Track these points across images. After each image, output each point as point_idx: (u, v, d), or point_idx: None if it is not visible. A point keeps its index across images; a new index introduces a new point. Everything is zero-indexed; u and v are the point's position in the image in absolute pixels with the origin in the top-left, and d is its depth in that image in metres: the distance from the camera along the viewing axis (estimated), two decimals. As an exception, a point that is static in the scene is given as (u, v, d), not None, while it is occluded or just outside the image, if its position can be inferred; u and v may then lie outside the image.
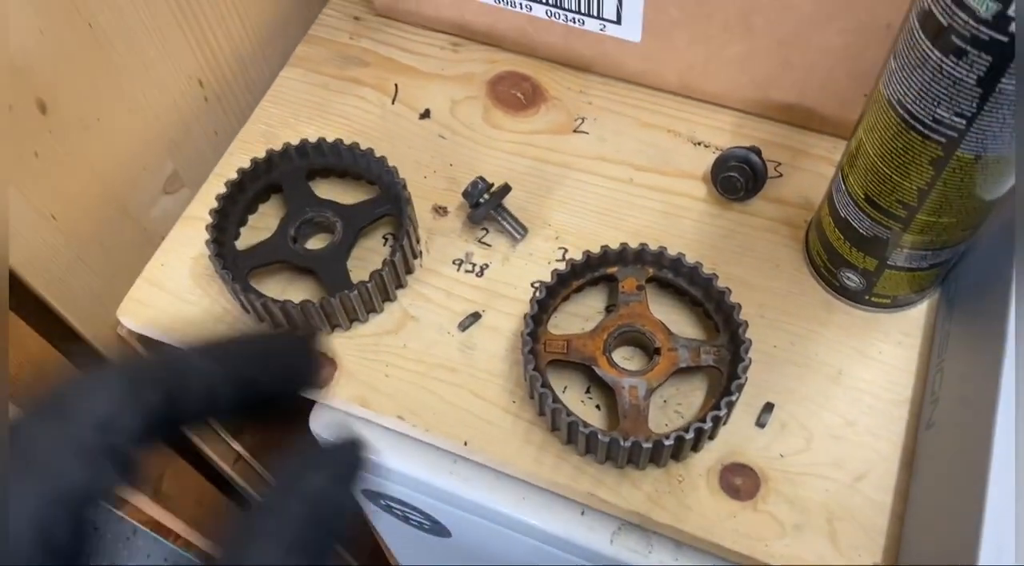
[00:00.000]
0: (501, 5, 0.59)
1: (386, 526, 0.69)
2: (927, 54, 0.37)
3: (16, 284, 0.54)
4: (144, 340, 0.58)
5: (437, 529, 0.61)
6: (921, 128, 0.40)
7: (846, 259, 0.50)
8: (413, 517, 0.61)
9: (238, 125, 0.63)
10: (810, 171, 0.58)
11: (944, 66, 0.37)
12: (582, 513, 0.51)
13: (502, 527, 0.53)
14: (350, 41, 0.65)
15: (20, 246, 0.52)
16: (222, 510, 0.91)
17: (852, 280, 0.51)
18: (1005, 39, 0.34)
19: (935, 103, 0.38)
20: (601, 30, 0.57)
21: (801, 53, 0.53)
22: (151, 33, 0.55)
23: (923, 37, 0.37)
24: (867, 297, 0.51)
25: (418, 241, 0.56)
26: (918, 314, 0.52)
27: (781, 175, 0.57)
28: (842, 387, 0.50)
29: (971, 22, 0.34)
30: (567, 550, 0.52)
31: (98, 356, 0.63)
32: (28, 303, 0.55)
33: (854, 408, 0.50)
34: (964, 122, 0.38)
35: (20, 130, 0.49)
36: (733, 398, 0.47)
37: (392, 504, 0.61)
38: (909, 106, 0.40)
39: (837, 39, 0.51)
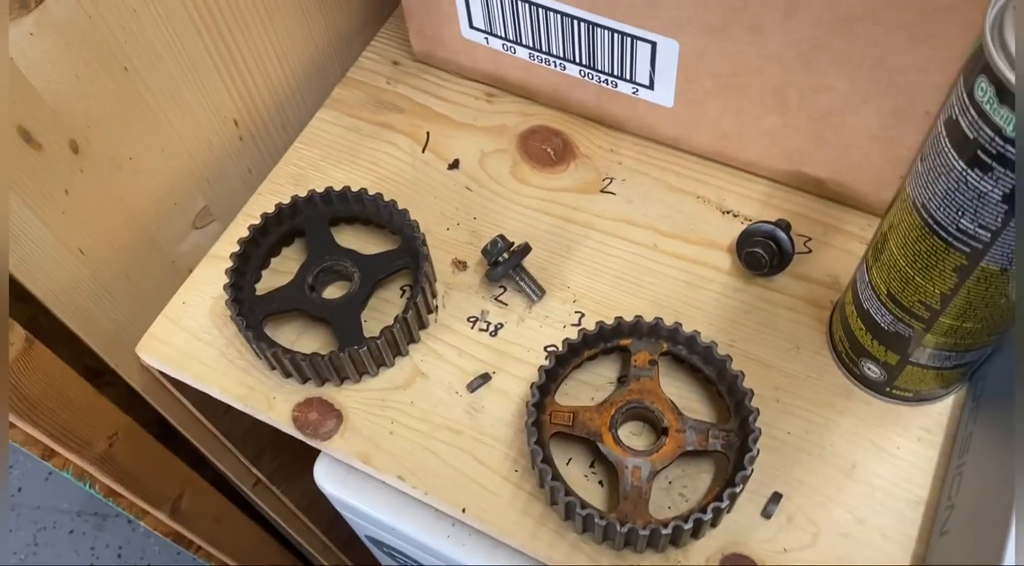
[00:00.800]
0: (535, 62, 0.59)
1: (391, 569, 0.69)
2: (952, 163, 0.36)
3: (43, 313, 0.56)
4: (167, 375, 0.59)
5: (438, 581, 0.61)
6: (945, 235, 0.38)
7: (867, 350, 0.48)
8: (414, 567, 0.61)
9: (272, 163, 0.63)
10: (840, 248, 0.56)
11: (969, 178, 0.35)
12: (577, 589, 0.50)
13: (497, 593, 0.53)
14: (387, 86, 0.65)
15: (46, 277, 0.53)
16: (241, 528, 0.93)
17: (873, 371, 0.49)
18: (1033, 160, 0.32)
19: (959, 212, 0.37)
20: (634, 93, 0.57)
21: (835, 131, 0.51)
22: (187, 76, 0.56)
23: (949, 145, 0.36)
24: (888, 389, 0.50)
25: (434, 296, 0.55)
26: (942, 410, 0.50)
27: (810, 251, 0.56)
28: (855, 481, 0.49)
29: (997, 139, 0.33)
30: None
31: (124, 385, 0.65)
32: (54, 332, 0.57)
33: (866, 505, 0.48)
34: (989, 235, 0.36)
35: (51, 169, 0.50)
36: (737, 489, 0.45)
37: (395, 554, 0.61)
38: (933, 211, 0.38)
39: (874, 121, 0.50)
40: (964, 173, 0.35)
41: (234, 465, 0.79)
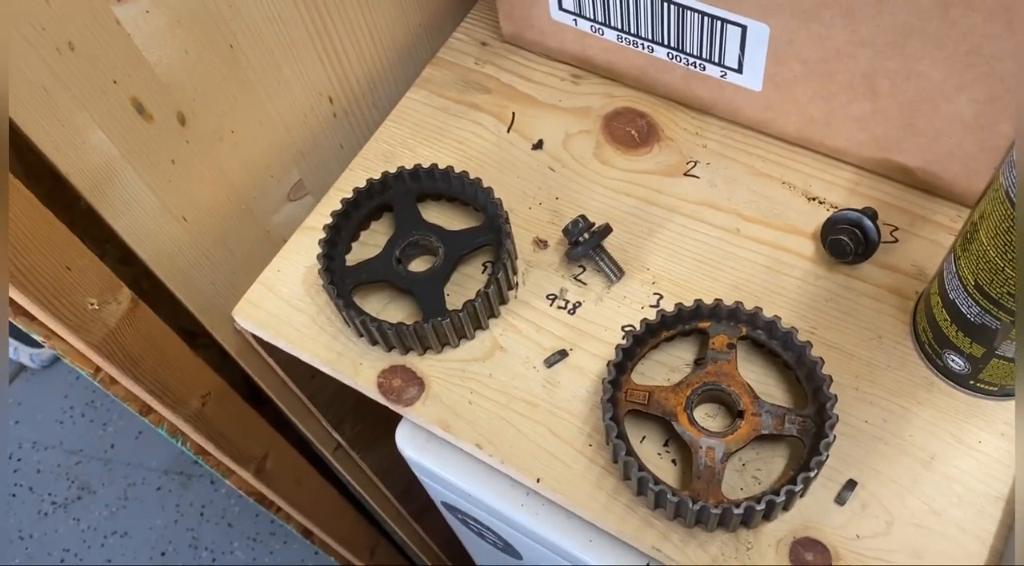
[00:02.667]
0: (623, 44, 0.59)
1: (465, 535, 0.71)
2: (1050, 153, 0.35)
3: (145, 277, 0.59)
4: (259, 339, 0.62)
5: (509, 550, 0.63)
6: (1038, 226, 0.37)
7: (952, 342, 0.48)
8: (488, 535, 0.63)
9: (363, 140, 0.66)
10: (928, 239, 0.55)
11: (1067, 169, 0.34)
12: (647, 564, 0.51)
13: (569, 563, 0.54)
14: (475, 66, 0.67)
15: (152, 242, 0.57)
16: (320, 491, 0.96)
17: (957, 363, 0.49)
18: None
19: (1055, 204, 0.36)
20: (722, 77, 0.57)
21: (927, 119, 0.51)
22: (287, 53, 0.58)
23: (1048, 135, 0.35)
24: (972, 382, 0.49)
25: (515, 273, 0.57)
26: (1013, 404, 0.49)
27: (896, 240, 0.55)
28: (933, 473, 0.48)
29: (1099, 130, 0.32)
30: (628, 598, 0.52)
31: (218, 345, 0.68)
32: (155, 295, 0.60)
33: (943, 497, 0.48)
34: (1085, 227, 0.36)
35: (160, 139, 0.53)
36: (811, 474, 0.45)
37: (468, 520, 0.62)
38: (1027, 202, 0.37)
39: (967, 109, 0.49)
40: (1061, 163, 0.35)
41: (317, 429, 0.82)
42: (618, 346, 0.50)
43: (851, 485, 0.48)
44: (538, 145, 0.62)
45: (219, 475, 0.81)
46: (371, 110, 0.67)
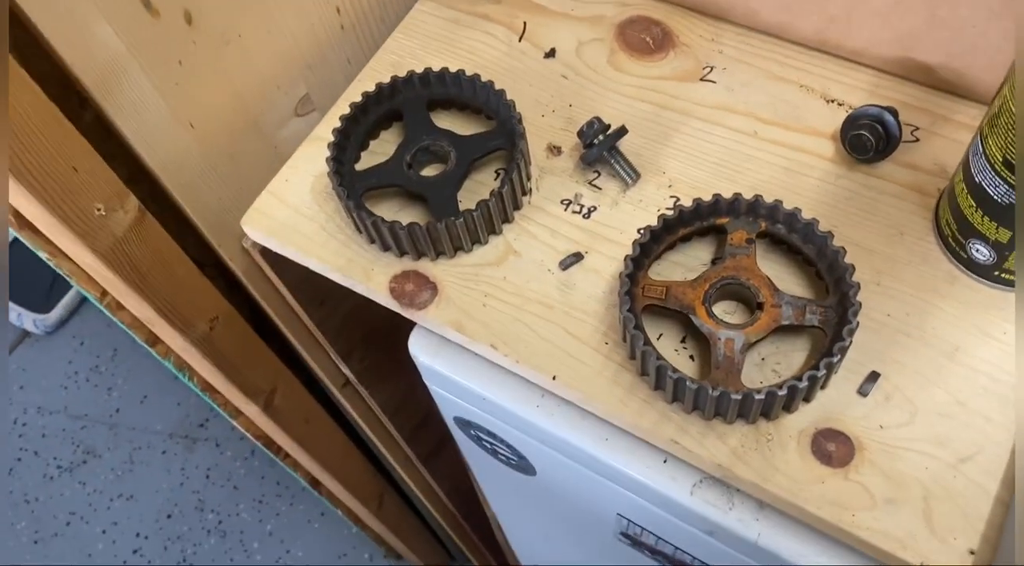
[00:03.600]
0: (638, -54, 0.58)
1: (475, 459, 0.70)
2: (1088, -2, 0.34)
3: (152, 198, 0.58)
4: (267, 256, 0.61)
5: (523, 465, 0.62)
6: (1073, 82, 0.36)
7: (977, 229, 0.47)
8: (501, 451, 0.62)
9: (371, 54, 0.64)
10: (949, 138, 0.54)
11: (1106, 11, 0.33)
12: (664, 461, 0.50)
13: (584, 467, 0.54)
14: (484, -22, 0.65)
15: (159, 149, 0.56)
16: (328, 433, 0.95)
17: (982, 253, 0.48)
18: None
19: (1092, 53, 0.35)
20: (739, -25, 0.55)
21: (952, 9, 0.49)
22: (295, -44, 0.57)
23: (1085, -21, 0.34)
24: (996, 273, 0.48)
25: (528, 178, 0.56)
26: (1053, 297, 0.48)
27: (917, 140, 0.54)
28: (957, 364, 0.47)
29: None
30: (646, 497, 0.51)
31: (225, 275, 0.67)
32: (164, 214, 0.59)
33: (967, 388, 0.47)
34: (1123, 76, 0.34)
35: (167, 37, 0.52)
36: (834, 360, 0.45)
37: (481, 435, 0.62)
38: (1062, 57, 0.36)
39: (995, -7, 0.47)
40: (1100, 5, 0.34)
41: (325, 363, 0.82)
42: (635, 241, 0.49)
43: (874, 377, 0.47)
44: (550, 54, 0.61)
45: (227, 416, 0.81)
46: (379, 24, 0.66)
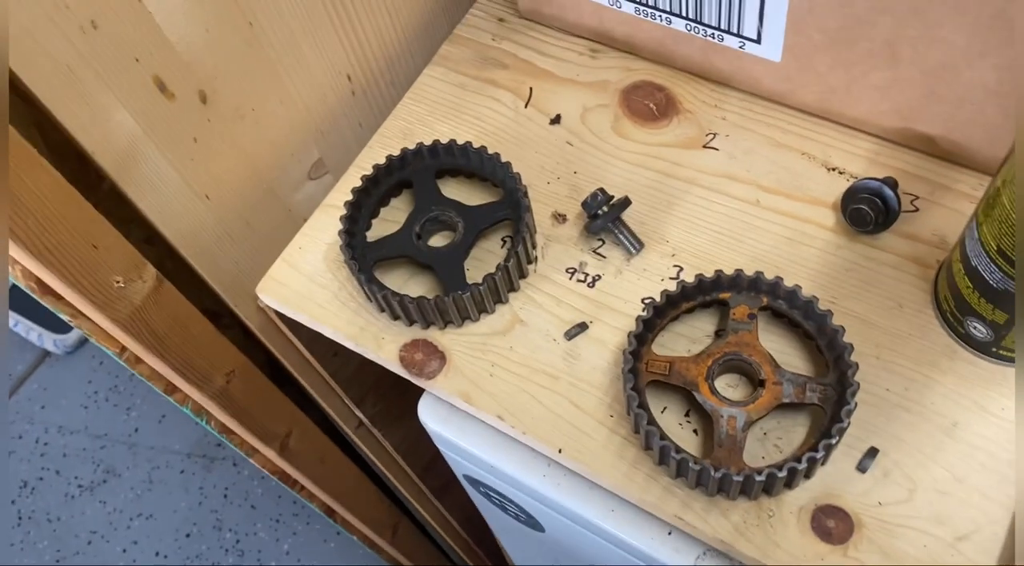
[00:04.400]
0: (641, 16, 0.59)
1: (486, 509, 0.71)
2: (1074, 113, 0.35)
3: (170, 258, 0.60)
4: (282, 316, 0.62)
5: (531, 522, 0.63)
6: (1062, 188, 0.37)
7: (974, 309, 0.48)
8: (509, 508, 0.63)
9: (381, 118, 0.66)
10: (949, 208, 0.55)
11: (1091, 128, 0.34)
12: (669, 533, 0.51)
13: (591, 534, 0.55)
14: (492, 42, 0.67)
15: (176, 220, 0.57)
16: (343, 469, 0.97)
17: (979, 330, 0.48)
18: None
19: (1079, 165, 0.36)
20: (740, 47, 0.56)
21: (949, 86, 0.50)
22: (306, 31, 0.58)
23: (1072, 95, 0.35)
24: (994, 349, 0.49)
25: (534, 247, 0.57)
26: (1051, 372, 0.49)
27: (917, 209, 0.55)
28: (955, 441, 0.48)
29: (1124, 87, 0.32)
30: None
31: (241, 325, 0.69)
32: (180, 275, 0.61)
33: (966, 464, 0.48)
34: (1110, 188, 0.35)
35: (182, 118, 0.54)
36: (833, 441, 0.46)
37: (490, 493, 0.63)
38: (1051, 164, 0.37)
39: (990, 74, 0.48)
40: (1086, 123, 0.34)
41: (339, 407, 0.83)
42: (638, 317, 0.50)
43: (872, 453, 0.48)
44: (556, 120, 0.62)
45: (243, 454, 0.82)
46: (389, 88, 0.67)
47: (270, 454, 0.82)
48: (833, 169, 0.57)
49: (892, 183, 0.54)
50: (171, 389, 0.69)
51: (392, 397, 0.85)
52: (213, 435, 1.79)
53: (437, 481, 1.04)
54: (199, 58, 0.52)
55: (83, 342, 1.81)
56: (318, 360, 0.72)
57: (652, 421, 0.48)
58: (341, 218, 0.56)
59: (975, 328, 0.49)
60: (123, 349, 0.63)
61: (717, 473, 0.46)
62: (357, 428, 0.89)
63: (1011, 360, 0.49)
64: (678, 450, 0.47)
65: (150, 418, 1.75)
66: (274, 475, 0.88)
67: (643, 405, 0.48)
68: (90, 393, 1.79)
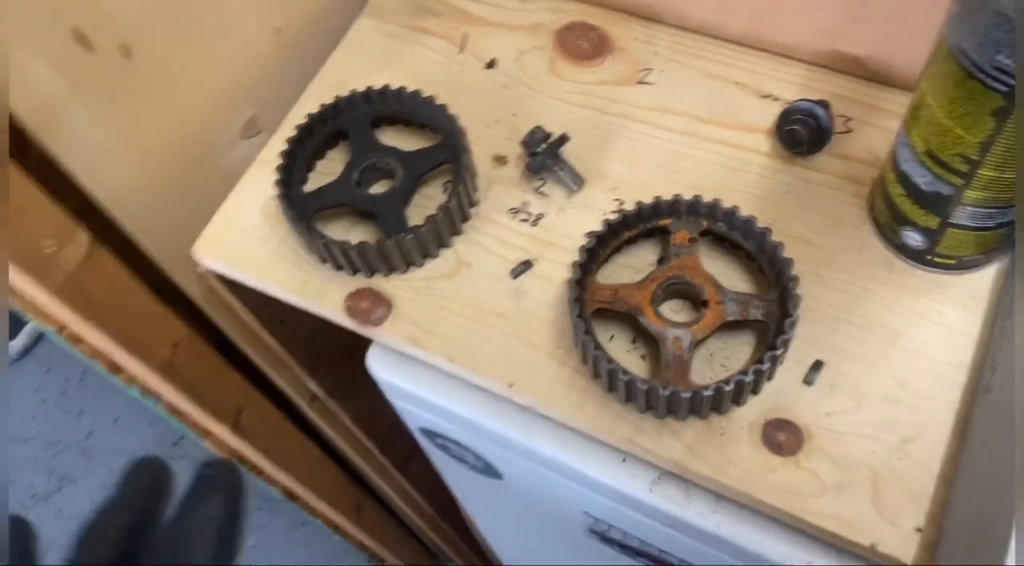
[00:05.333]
0: (569, -46, 0.59)
1: (444, 465, 0.71)
2: (988, -3, 0.36)
3: (105, 230, 0.58)
4: (223, 280, 0.61)
5: (489, 470, 0.63)
6: (982, 75, 0.38)
7: (907, 217, 0.48)
8: (466, 457, 0.63)
9: (314, 73, 0.65)
10: (881, 127, 0.56)
11: (1005, 10, 0.35)
12: (623, 460, 0.51)
13: (547, 470, 0.55)
14: (422, -9, 0.66)
15: (106, 183, 0.56)
16: (301, 447, 0.96)
17: (914, 239, 0.49)
18: (1069, -21, 0.32)
19: (996, 50, 0.36)
20: (668, -21, 0.56)
21: (877, 4, 0.51)
22: (229, -18, 0.57)
23: (985, -21, 0.36)
24: (929, 257, 0.50)
25: (475, 189, 0.57)
26: (985, 277, 0.50)
27: (850, 130, 0.56)
28: (898, 349, 0.49)
29: (1032, -39, 0.33)
30: (608, 496, 0.52)
31: (184, 300, 0.67)
32: (116, 246, 0.59)
33: (909, 371, 0.48)
34: (1026, 70, 0.36)
35: (106, 73, 0.52)
36: (778, 353, 0.46)
37: (447, 444, 0.63)
38: (969, 53, 0.38)
39: (911, -13, 0.49)
40: (1000, 5, 0.35)
41: (291, 380, 0.82)
42: (582, 247, 0.50)
43: (818, 366, 0.49)
44: (491, 64, 0.62)
45: (197, 436, 0.81)
46: (320, 41, 0.66)
47: (223, 433, 0.80)
48: (766, 96, 0.58)
49: (825, 105, 0.54)
50: (115, 368, 0.67)
51: (345, 367, 0.84)
52: (169, 434, 1.75)
53: (399, 454, 1.03)
54: (121, 7, 0.51)
55: (27, 350, 1.76)
56: (265, 328, 0.71)
57: (599, 347, 0.48)
58: (276, 168, 0.55)
59: (909, 236, 0.49)
60: (61, 327, 0.61)
61: (665, 391, 0.46)
62: (312, 402, 0.88)
63: (946, 267, 0.50)
64: (625, 372, 0.47)
65: (103, 421, 1.71)
66: (232, 457, 0.87)
67: (589, 332, 0.48)
68: (39, 401, 1.75)
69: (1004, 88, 0.37)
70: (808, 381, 0.49)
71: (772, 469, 0.47)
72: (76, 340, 0.62)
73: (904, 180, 0.47)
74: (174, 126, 0.58)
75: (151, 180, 0.58)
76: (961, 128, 0.41)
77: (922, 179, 0.45)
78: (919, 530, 0.45)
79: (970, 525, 0.42)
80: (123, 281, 0.61)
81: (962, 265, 0.50)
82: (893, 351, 0.49)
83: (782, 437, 0.48)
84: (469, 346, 0.52)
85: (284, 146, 0.56)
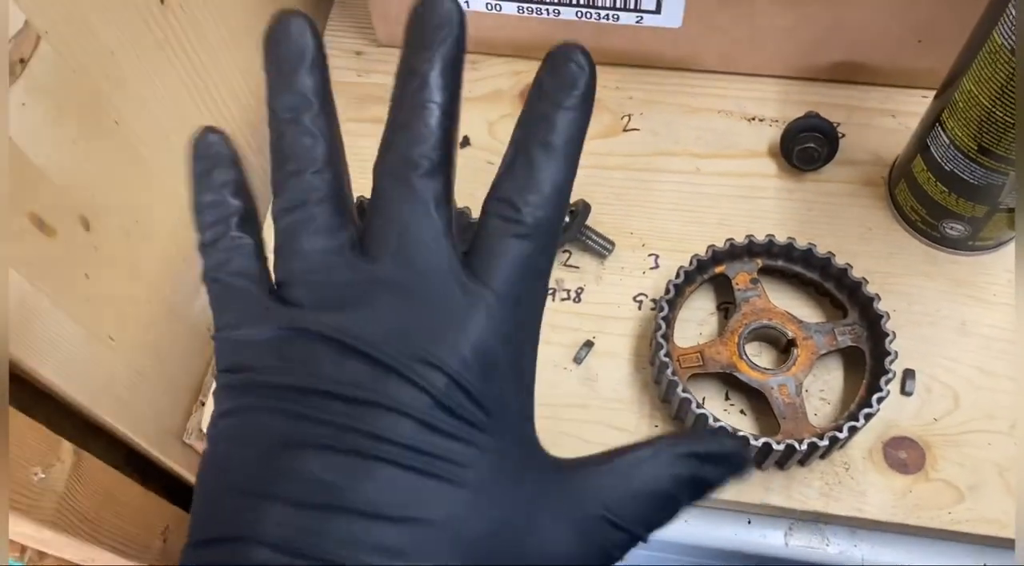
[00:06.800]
0: (525, 14, 0.56)
1: None
2: (1066, -1, 0.36)
3: (81, 415, 0.49)
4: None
5: None
6: (1057, 73, 0.39)
7: (951, 210, 0.49)
8: None
9: (264, 189, 0.58)
10: (870, 126, 0.57)
11: (1090, 9, 0.36)
12: (748, 522, 0.49)
13: (672, 554, 0.52)
14: (359, 79, 0.61)
15: (83, 377, 0.47)
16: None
17: (956, 229, 0.50)
18: None
19: (1075, 47, 0.37)
20: (638, 22, 0.55)
21: (854, 12, 0.52)
22: (171, 114, 0.49)
23: (1060, -17, 0.36)
24: (971, 243, 0.51)
25: (505, 279, 0.52)
26: (1010, 249, 0.52)
27: (843, 135, 0.56)
28: (970, 336, 0.50)
29: None
30: (744, 561, 0.50)
31: (166, 471, 0.58)
32: (91, 436, 0.50)
33: (987, 355, 0.50)
34: (1108, 61, 0.37)
35: (69, 253, 0.43)
36: (890, 376, 0.46)
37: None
38: (1041, 53, 0.39)
39: (894, -9, 0.50)
40: (1084, 5, 0.36)
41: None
42: (657, 316, 0.48)
43: (911, 374, 0.49)
44: (465, 142, 0.58)
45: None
46: (262, 156, 0.59)
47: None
48: (753, 119, 0.58)
49: (816, 117, 0.55)
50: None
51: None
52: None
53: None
54: (74, 178, 0.43)
55: None
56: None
57: (716, 419, 0.45)
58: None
59: (951, 228, 0.51)
60: (23, 549, 0.51)
61: (802, 445, 0.44)
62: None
63: (986, 248, 0.52)
64: (756, 437, 0.44)
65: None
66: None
67: (701, 405, 0.46)
68: None
69: (1081, 80, 0.38)
70: (907, 392, 0.49)
71: (907, 489, 0.46)
72: (40, 557, 0.52)
73: (949, 178, 0.48)
74: (141, 290, 0.50)
75: (128, 358, 0.50)
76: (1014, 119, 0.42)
77: (972, 175, 0.46)
78: (1058, 508, 0.46)
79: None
80: (112, 480, 0.52)
81: (999, 243, 0.52)
82: (966, 340, 0.50)
83: (904, 455, 0.47)
84: (559, 448, 0.48)
85: (288, 285, 0.49)
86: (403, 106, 0.26)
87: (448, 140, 0.26)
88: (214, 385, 0.46)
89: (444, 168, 0.26)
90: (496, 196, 0.26)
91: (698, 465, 0.26)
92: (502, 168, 0.26)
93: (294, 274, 0.26)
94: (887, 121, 0.57)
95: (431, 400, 0.23)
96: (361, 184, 0.55)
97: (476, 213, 0.51)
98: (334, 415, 0.23)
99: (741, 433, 0.45)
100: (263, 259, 0.28)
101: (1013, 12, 0.39)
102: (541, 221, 0.25)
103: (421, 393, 0.23)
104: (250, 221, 0.28)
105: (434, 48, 0.25)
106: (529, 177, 0.25)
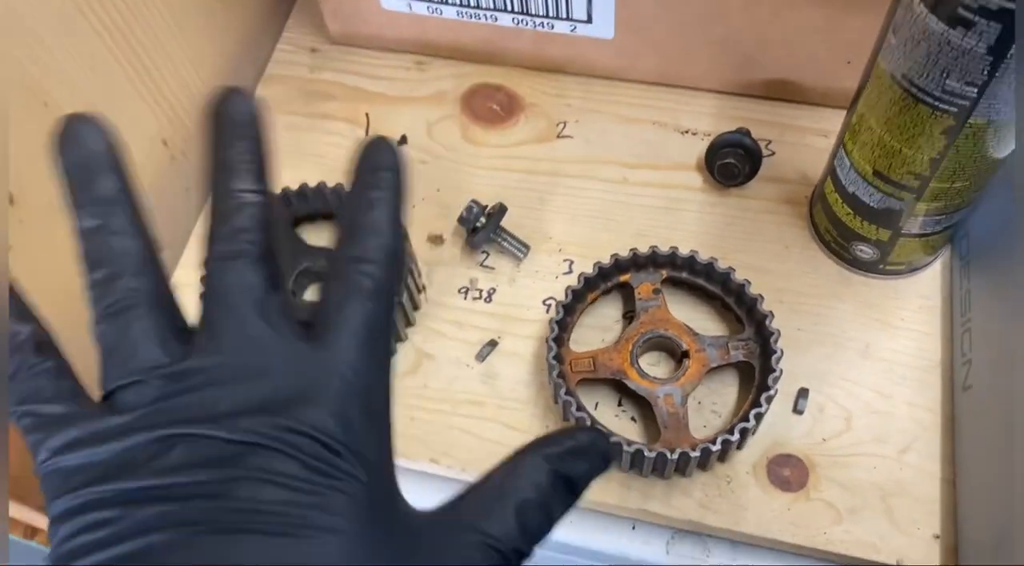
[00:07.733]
0: (465, 19, 0.57)
1: None
2: (931, 27, 0.36)
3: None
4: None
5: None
6: (931, 100, 0.39)
7: (858, 233, 0.49)
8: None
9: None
10: (800, 144, 0.57)
11: (951, 38, 0.36)
12: (633, 528, 0.50)
13: (552, 552, 0.53)
14: (311, 75, 0.63)
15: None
16: None
17: (865, 252, 0.50)
18: (1014, 6, 0.33)
19: (943, 74, 0.37)
20: (572, 31, 0.56)
21: (780, 31, 0.52)
22: (107, 101, 0.52)
23: (924, 10, 0.36)
24: (882, 266, 0.51)
25: (419, 275, 0.54)
26: (932, 275, 0.52)
27: (773, 153, 0.57)
28: (872, 360, 0.50)
29: (978, -7, 0.34)
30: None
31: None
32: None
33: (887, 380, 0.50)
34: (976, 90, 0.37)
35: (-9, 226, 0.46)
36: (772, 393, 0.46)
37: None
38: (915, 80, 0.39)
39: (817, 12, 0.50)
40: (945, 34, 0.36)
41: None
42: (551, 319, 0.49)
43: (804, 393, 0.49)
44: (402, 141, 0.59)
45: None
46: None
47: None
48: (686, 132, 0.58)
49: (746, 132, 0.55)
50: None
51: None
52: None
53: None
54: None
55: None
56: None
57: (595, 422, 0.46)
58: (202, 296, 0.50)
59: (861, 251, 0.51)
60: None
61: (673, 455, 0.45)
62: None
63: (898, 273, 0.52)
64: (630, 443, 0.45)
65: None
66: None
67: (582, 408, 0.47)
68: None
69: (953, 109, 0.38)
70: (798, 410, 0.49)
71: (786, 507, 0.47)
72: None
73: (852, 200, 0.48)
74: (67, 271, 0.53)
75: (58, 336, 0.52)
76: (910, 149, 0.42)
77: (871, 198, 0.46)
78: (937, 537, 0.46)
79: (985, 526, 0.43)
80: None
81: (912, 268, 0.51)
82: (868, 364, 0.50)
83: (787, 473, 0.48)
84: (451, 443, 0.50)
85: (204, 271, 0.51)
86: (220, 197, 0.27)
87: (266, 225, 0.27)
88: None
89: (268, 250, 0.26)
90: (336, 259, 0.27)
91: (559, 462, 0.27)
92: (340, 234, 0.27)
93: (125, 379, 0.25)
94: (818, 141, 0.57)
95: (299, 464, 0.23)
96: (304, 174, 0.58)
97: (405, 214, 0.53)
98: (196, 500, 0.23)
99: (633, 445, 0.45)
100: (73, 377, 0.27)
101: (893, 39, 0.39)
102: (380, 282, 0.26)
103: (289, 460, 0.23)
104: (46, 343, 0.28)
105: (240, 142, 0.27)
106: (364, 242, 0.26)
